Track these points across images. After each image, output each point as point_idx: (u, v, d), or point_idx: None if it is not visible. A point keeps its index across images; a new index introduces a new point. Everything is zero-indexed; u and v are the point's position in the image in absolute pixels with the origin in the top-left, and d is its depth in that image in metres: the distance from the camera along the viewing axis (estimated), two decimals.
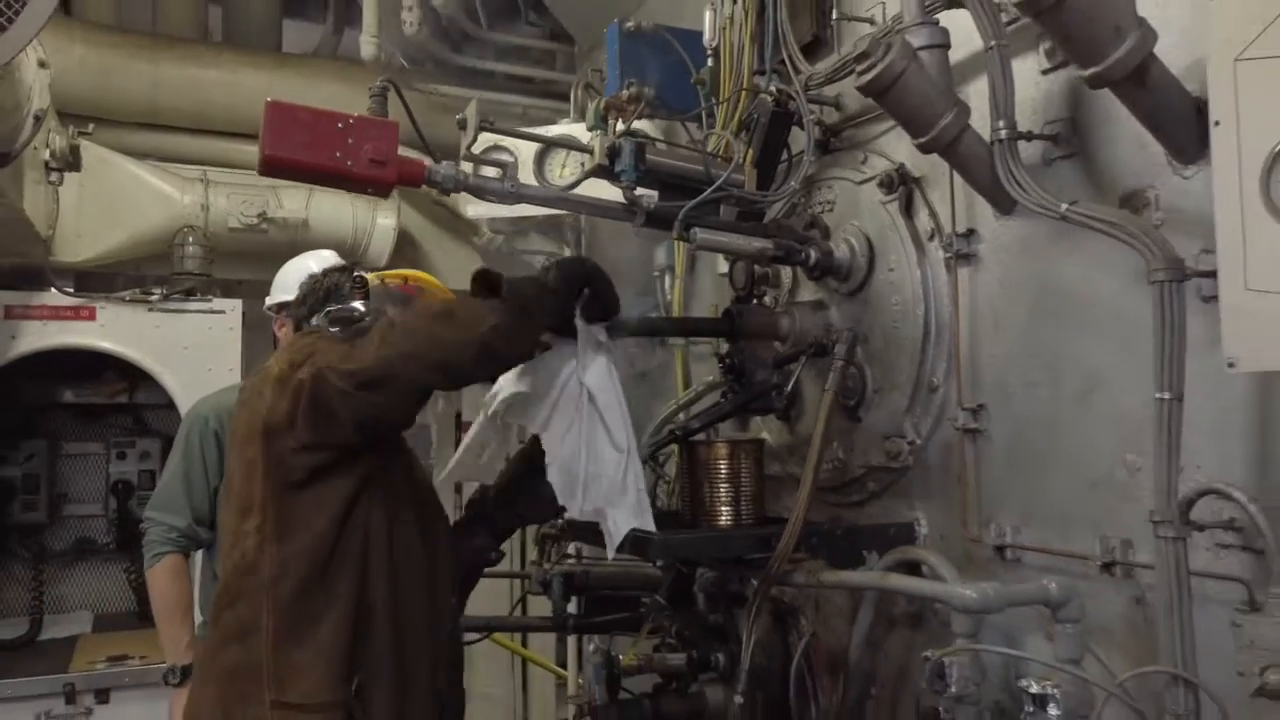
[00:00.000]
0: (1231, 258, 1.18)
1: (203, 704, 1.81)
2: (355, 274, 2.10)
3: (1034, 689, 1.51)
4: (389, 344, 1.70)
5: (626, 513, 1.80)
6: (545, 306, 1.74)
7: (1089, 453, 1.65)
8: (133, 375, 3.68)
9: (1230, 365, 1.19)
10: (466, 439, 2.12)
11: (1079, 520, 1.65)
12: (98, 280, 3.71)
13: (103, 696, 3.14)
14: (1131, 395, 1.55)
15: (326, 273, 2.20)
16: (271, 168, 1.79)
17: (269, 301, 2.86)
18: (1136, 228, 1.43)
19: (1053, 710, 1.49)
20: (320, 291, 2.12)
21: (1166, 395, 1.37)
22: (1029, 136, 1.67)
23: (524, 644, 4.08)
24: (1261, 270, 1.14)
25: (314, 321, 2.05)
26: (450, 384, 2.12)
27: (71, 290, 3.38)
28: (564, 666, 3.93)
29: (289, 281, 2.75)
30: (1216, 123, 1.21)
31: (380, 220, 3.66)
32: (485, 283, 1.74)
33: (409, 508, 1.86)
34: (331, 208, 3.58)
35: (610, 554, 1.83)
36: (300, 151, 1.78)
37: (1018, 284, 1.81)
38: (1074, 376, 1.69)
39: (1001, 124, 1.63)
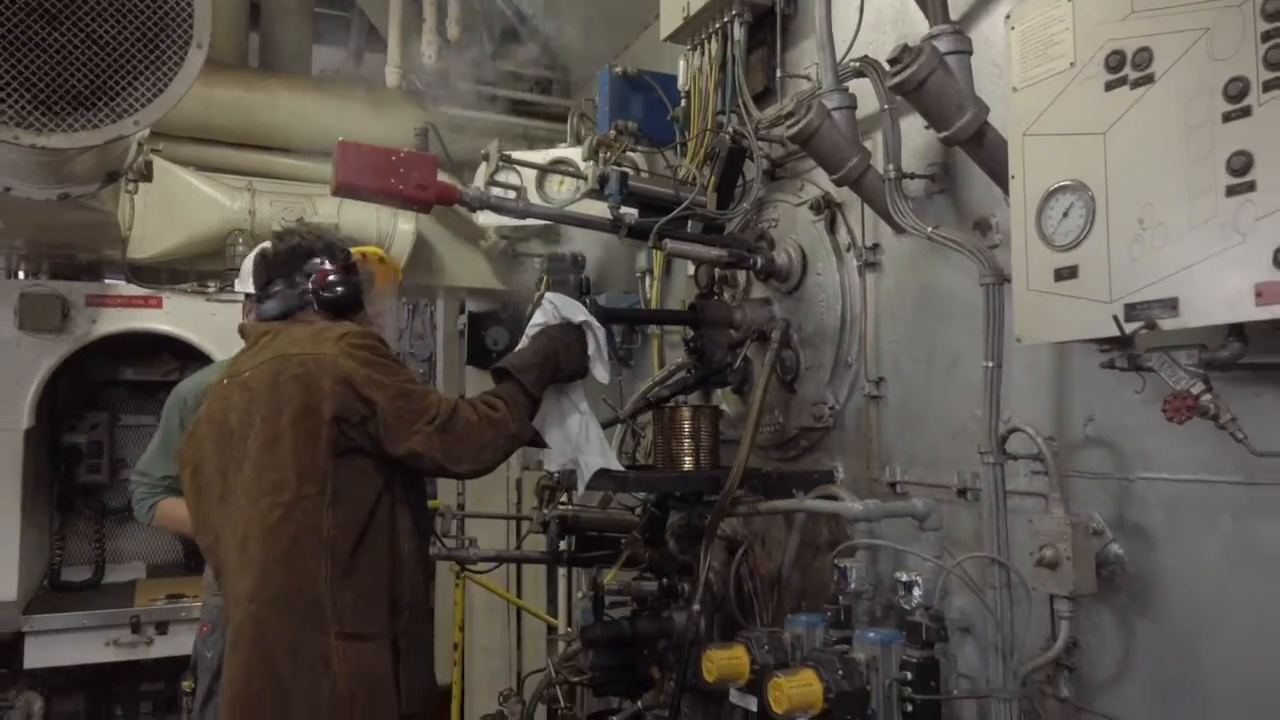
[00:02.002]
0: (1019, 267, 1.73)
1: (267, 626, 2.07)
2: (330, 243, 2.42)
3: (904, 578, 2.07)
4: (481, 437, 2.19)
5: (593, 457, 2.39)
6: (542, 383, 2.31)
7: (951, 411, 2.20)
8: (184, 356, 4.23)
9: (1019, 340, 1.75)
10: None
11: (945, 461, 2.21)
12: (148, 274, 4.25)
13: (162, 628, 3.69)
14: (978, 368, 2.09)
15: (301, 237, 2.40)
16: (342, 190, 2.34)
17: (238, 288, 3.10)
18: (974, 245, 2.00)
19: (916, 591, 2.05)
20: (300, 254, 2.34)
21: (990, 364, 1.94)
22: (911, 176, 2.23)
23: (519, 595, 4.63)
24: (1036, 276, 1.70)
25: (297, 282, 2.31)
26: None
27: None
28: (555, 615, 4.49)
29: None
30: (1013, 176, 1.77)
31: (401, 226, 4.21)
32: (497, 377, 2.33)
33: (415, 476, 2.29)
34: (359, 214, 4.12)
35: (580, 489, 2.42)
36: (364, 178, 2.33)
37: (907, 286, 2.37)
38: (944, 355, 2.24)
39: (891, 166, 2.19)
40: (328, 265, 2.36)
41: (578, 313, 2.39)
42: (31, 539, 3.59)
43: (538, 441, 2.43)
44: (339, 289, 2.35)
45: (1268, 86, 1.31)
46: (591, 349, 2.39)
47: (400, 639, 2.17)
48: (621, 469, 2.46)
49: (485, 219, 3.91)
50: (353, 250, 2.59)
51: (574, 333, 2.37)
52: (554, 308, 2.38)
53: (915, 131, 2.25)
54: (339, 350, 2.13)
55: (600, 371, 2.41)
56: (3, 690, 3.59)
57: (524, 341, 2.42)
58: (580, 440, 2.43)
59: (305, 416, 2.08)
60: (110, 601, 3.84)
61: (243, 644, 2.08)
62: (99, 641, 3.62)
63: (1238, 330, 1.43)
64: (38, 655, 3.58)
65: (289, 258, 2.35)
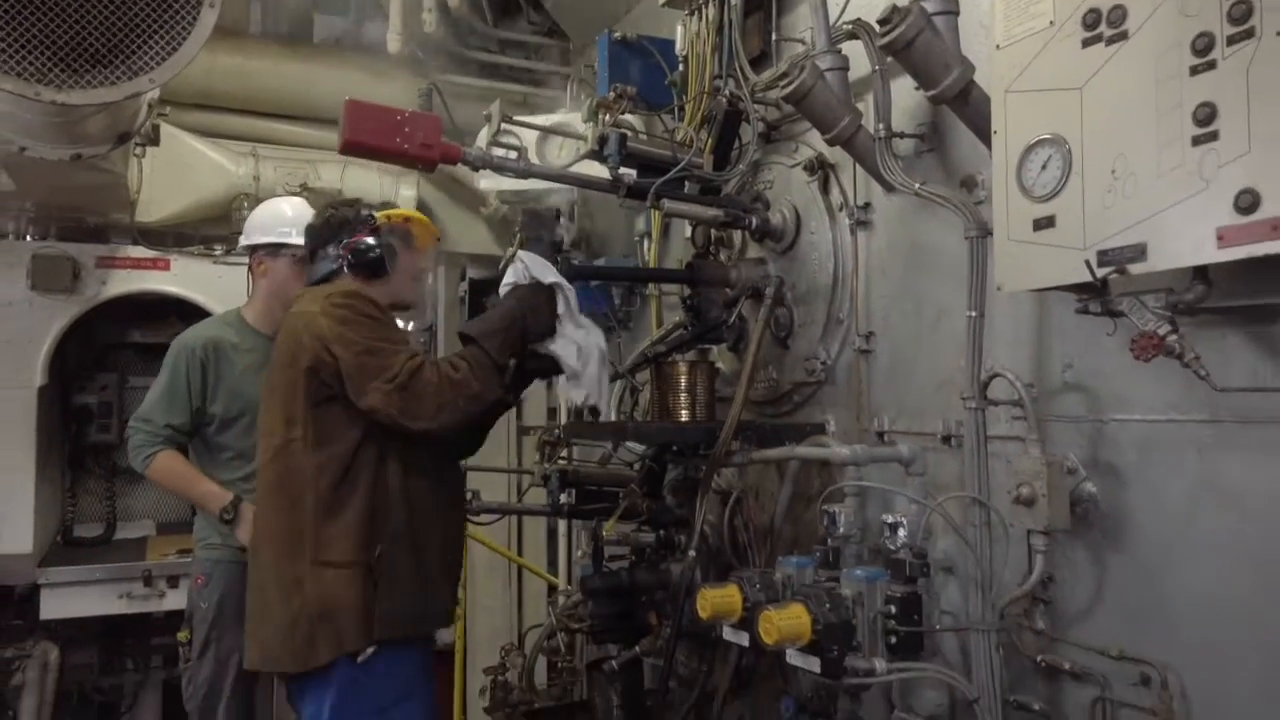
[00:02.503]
0: (1000, 218, 1.81)
1: (261, 557, 2.42)
2: (360, 210, 2.64)
3: (890, 519, 2.17)
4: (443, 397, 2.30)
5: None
6: (507, 347, 2.39)
7: (938, 363, 2.28)
8: (190, 318, 4.29)
9: (999, 288, 1.84)
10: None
11: (930, 410, 2.29)
12: (154, 237, 4.32)
13: (173, 582, 3.80)
14: (964, 320, 2.17)
15: (337, 207, 2.67)
16: (350, 148, 2.41)
17: (243, 242, 3.26)
18: (960, 200, 2.09)
19: (901, 532, 2.14)
20: (334, 224, 2.61)
21: (974, 314, 2.03)
22: (901, 135, 2.31)
23: (520, 556, 4.74)
24: (1016, 227, 1.78)
25: (330, 251, 2.58)
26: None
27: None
28: (555, 576, 4.60)
29: (265, 223, 3.23)
30: (995, 131, 1.85)
31: (403, 191, 4.28)
32: (463, 340, 2.43)
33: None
34: (362, 180, 4.20)
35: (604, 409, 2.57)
36: (370, 137, 2.39)
37: (897, 243, 2.44)
38: (931, 309, 2.33)
39: (881, 126, 2.27)
40: (358, 234, 2.58)
41: (548, 273, 2.45)
42: (45, 495, 3.69)
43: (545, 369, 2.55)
44: (365, 255, 2.56)
45: (1231, 40, 1.39)
46: (561, 309, 2.46)
47: (376, 567, 2.33)
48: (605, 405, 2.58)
49: (487, 184, 3.98)
50: (395, 213, 2.70)
51: (543, 294, 2.45)
52: (524, 267, 2.46)
53: (905, 92, 2.31)
54: (320, 308, 2.39)
55: (571, 331, 2.48)
56: (20, 640, 3.70)
57: (499, 299, 2.51)
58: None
59: (289, 367, 2.38)
60: (122, 556, 3.95)
61: (250, 565, 2.48)
62: (112, 594, 3.73)
63: (1202, 273, 1.52)
64: (54, 607, 3.69)
65: (326, 228, 2.62)
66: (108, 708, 4.51)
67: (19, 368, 3.57)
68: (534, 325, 2.43)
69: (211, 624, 3.10)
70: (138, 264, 3.81)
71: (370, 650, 2.31)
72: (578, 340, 2.49)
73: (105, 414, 4.34)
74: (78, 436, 4.43)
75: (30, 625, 3.76)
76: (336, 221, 2.62)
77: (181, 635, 3.18)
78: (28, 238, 4.07)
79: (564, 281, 2.46)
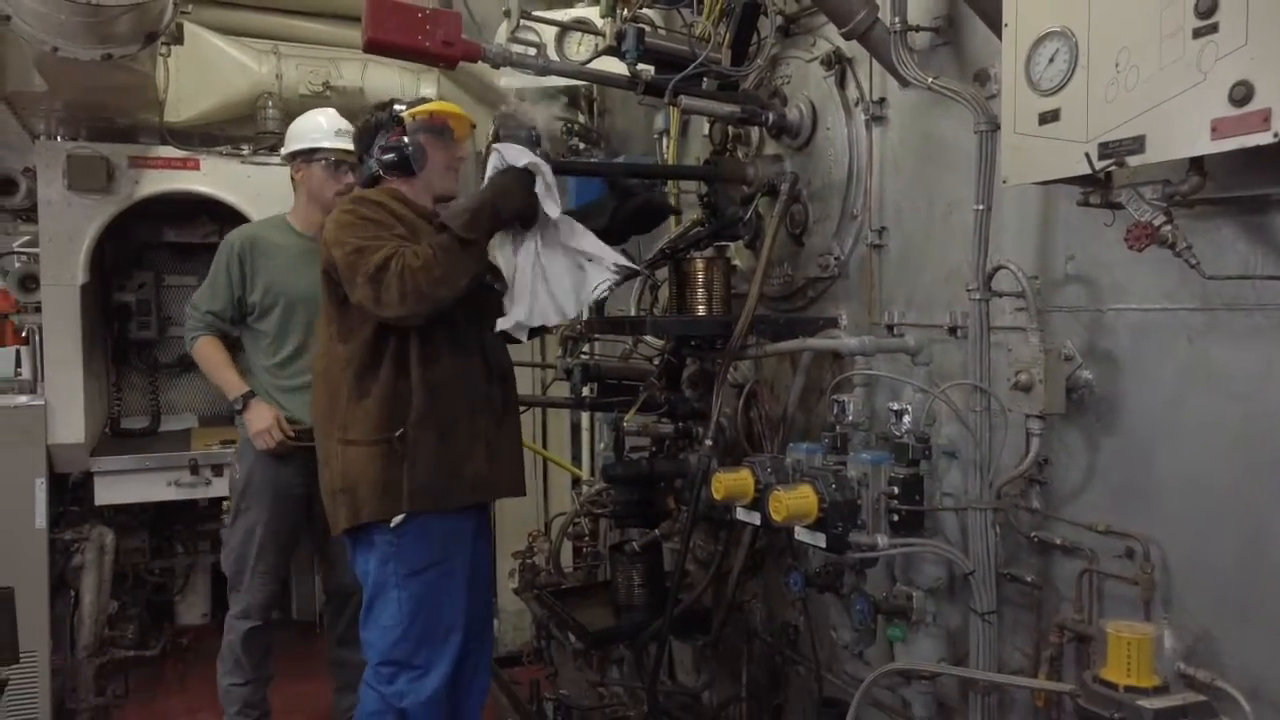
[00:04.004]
0: (1008, 112, 1.84)
1: (318, 436, 2.70)
2: (392, 111, 2.71)
3: (895, 406, 2.27)
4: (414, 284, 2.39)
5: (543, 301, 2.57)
6: (476, 227, 2.45)
7: (946, 256, 2.35)
8: (221, 219, 4.41)
9: (1004, 181, 1.88)
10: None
11: (938, 303, 2.37)
12: (181, 137, 4.38)
13: (218, 470, 4.00)
14: (972, 214, 2.24)
15: (372, 112, 2.77)
16: (372, 46, 2.45)
17: (283, 152, 3.56)
18: (970, 94, 2.11)
19: (906, 419, 2.25)
20: (369, 130, 2.72)
21: (980, 206, 2.08)
22: (917, 29, 2.31)
23: (544, 447, 4.92)
24: (1023, 120, 1.82)
25: (369, 157, 2.70)
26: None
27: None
28: (579, 467, 4.78)
29: (301, 132, 3.49)
30: (1006, 24, 1.87)
31: (423, 89, 4.29)
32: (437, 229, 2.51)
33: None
34: (383, 78, 4.21)
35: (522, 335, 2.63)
36: (393, 35, 2.42)
37: (910, 138, 2.48)
38: (941, 203, 2.38)
39: (896, 19, 2.28)
40: (391, 136, 2.68)
41: (521, 156, 2.48)
42: (92, 389, 3.86)
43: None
44: (388, 155, 2.67)
45: None
46: (540, 189, 2.49)
47: (399, 447, 2.52)
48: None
49: (506, 81, 3.98)
50: (422, 109, 2.72)
51: (514, 175, 2.49)
52: (500, 156, 2.51)
53: None
54: (334, 214, 2.60)
55: (551, 208, 2.50)
56: (78, 525, 3.94)
57: None
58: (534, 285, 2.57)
59: (323, 270, 2.62)
60: (168, 446, 4.16)
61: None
62: (161, 481, 3.94)
63: (1198, 165, 1.57)
64: (106, 493, 3.91)
65: (364, 134, 2.75)
66: (160, 588, 4.81)
67: (63, 266, 3.71)
68: (505, 205, 2.48)
69: (240, 495, 3.44)
70: (169, 164, 3.88)
71: (400, 519, 2.53)
72: (516, 261, 2.57)
73: (144, 311, 4.51)
74: (120, 333, 4.61)
75: (85, 511, 3.99)
76: (371, 126, 2.73)
77: (226, 505, 3.57)
78: (58, 138, 4.15)
79: (540, 162, 2.48)
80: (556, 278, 2.58)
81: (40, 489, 3.57)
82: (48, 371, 3.78)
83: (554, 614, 3.38)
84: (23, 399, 3.92)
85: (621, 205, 2.75)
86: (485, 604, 2.95)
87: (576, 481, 5.08)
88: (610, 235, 2.69)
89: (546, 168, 2.49)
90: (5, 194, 4.15)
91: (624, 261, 2.59)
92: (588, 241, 2.58)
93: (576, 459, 5.05)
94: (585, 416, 4.47)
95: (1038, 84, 1.75)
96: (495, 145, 2.55)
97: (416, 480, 2.54)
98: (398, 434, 2.52)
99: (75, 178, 3.70)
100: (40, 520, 3.58)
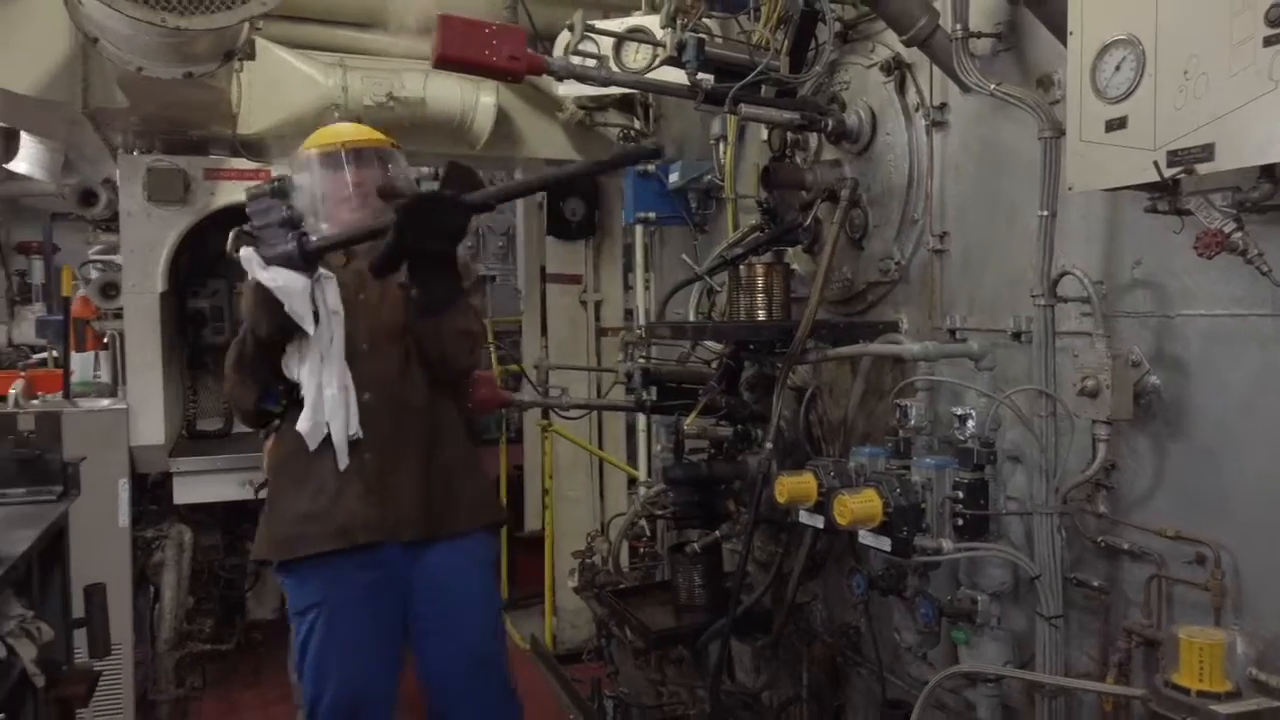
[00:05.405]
0: (1073, 119, 1.86)
1: None
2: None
3: (959, 411, 2.29)
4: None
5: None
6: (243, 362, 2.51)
7: (1010, 261, 2.35)
8: None
9: (1070, 188, 1.90)
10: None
11: (1002, 307, 2.37)
12: (252, 149, 4.52)
13: None
14: (1036, 219, 2.24)
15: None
16: (442, 63, 2.52)
17: None
18: (1035, 101, 2.12)
19: (970, 423, 2.26)
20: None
21: (1045, 213, 2.09)
22: (979, 35, 2.32)
23: (600, 446, 5.00)
24: (1089, 127, 1.83)
25: None
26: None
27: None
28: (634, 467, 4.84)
29: None
30: (1071, 32, 1.88)
31: (482, 99, 4.37)
32: None
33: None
34: (444, 88, 4.30)
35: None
36: (462, 51, 2.49)
37: (972, 143, 2.48)
38: (1004, 208, 2.38)
39: (958, 26, 2.29)
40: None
41: (253, 265, 2.24)
42: (170, 393, 4.02)
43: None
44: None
45: None
46: (294, 303, 2.24)
47: (267, 494, 2.64)
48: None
49: (564, 90, 4.06)
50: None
51: (256, 292, 2.28)
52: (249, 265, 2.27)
53: None
54: None
55: (306, 322, 2.28)
56: (158, 523, 4.11)
57: None
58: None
59: None
60: (241, 447, 4.30)
61: None
62: (233, 482, 4.09)
63: (1269, 171, 1.57)
64: (184, 493, 4.07)
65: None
66: (230, 585, 4.97)
67: (144, 274, 3.86)
68: (258, 328, 2.35)
69: None
70: (240, 175, 4.03)
71: (272, 566, 2.61)
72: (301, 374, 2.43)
73: (217, 318, 4.67)
74: (194, 339, 4.78)
75: (164, 510, 4.15)
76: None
77: None
78: (135, 152, 4.31)
79: (274, 278, 2.23)
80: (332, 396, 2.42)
81: (124, 489, 3.74)
82: (129, 376, 3.94)
83: (615, 613, 3.44)
84: (105, 402, 4.10)
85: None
86: (444, 658, 2.57)
87: (632, 482, 5.16)
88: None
89: (288, 281, 2.22)
90: (87, 205, 4.33)
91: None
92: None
93: (632, 460, 5.12)
94: (641, 419, 4.52)
95: (1104, 91, 1.76)
96: (241, 256, 2.27)
97: (272, 528, 2.55)
98: (262, 483, 2.65)
99: (155, 190, 3.86)
100: (124, 519, 3.74)
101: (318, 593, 2.49)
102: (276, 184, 2.38)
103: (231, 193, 4.01)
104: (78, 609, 2.64)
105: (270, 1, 2.25)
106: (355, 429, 2.46)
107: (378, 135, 2.67)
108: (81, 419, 3.41)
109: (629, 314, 5.45)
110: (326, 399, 2.41)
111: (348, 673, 2.45)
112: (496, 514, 2.80)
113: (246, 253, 2.26)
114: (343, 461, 2.45)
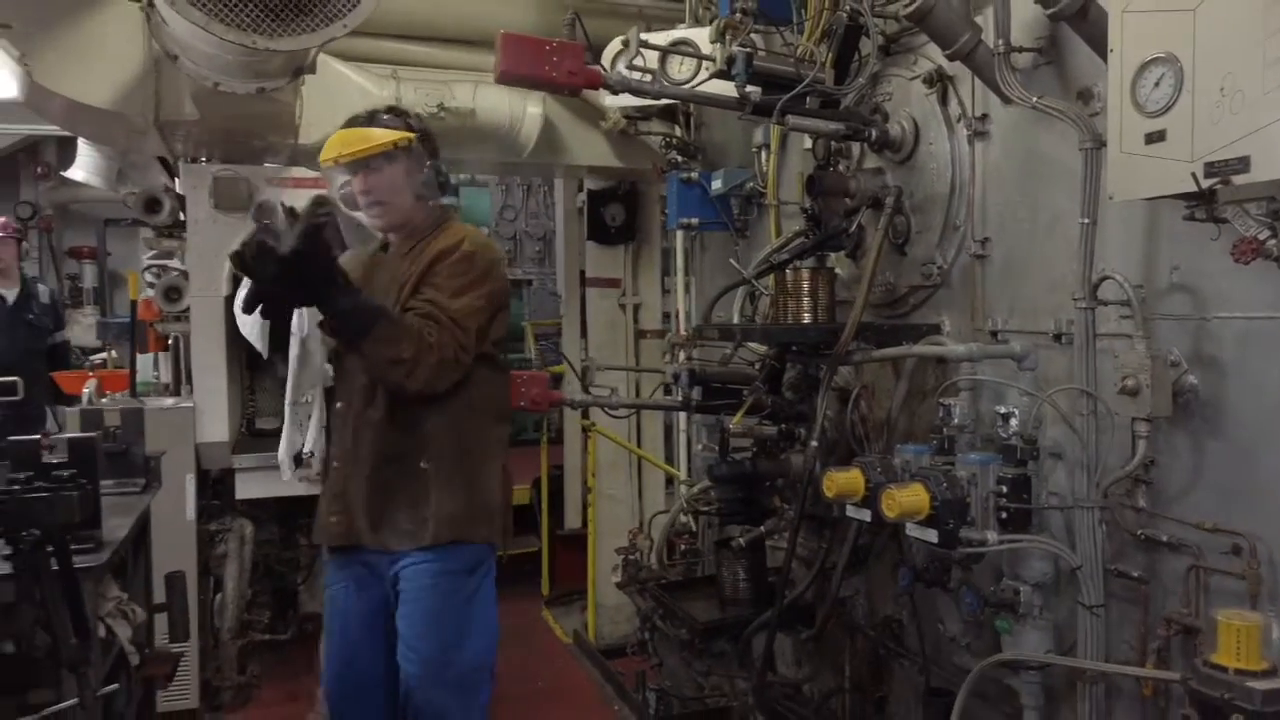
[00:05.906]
0: (1114, 132, 1.95)
1: None
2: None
3: (1002, 410, 2.39)
4: None
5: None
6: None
7: (1051, 266, 2.45)
8: None
9: (1111, 197, 2.00)
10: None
11: (1043, 310, 2.47)
12: (308, 158, 4.68)
13: None
14: (1076, 226, 2.32)
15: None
16: (505, 78, 2.66)
17: None
18: (1076, 113, 2.22)
19: (1013, 421, 2.37)
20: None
21: (1086, 220, 2.19)
22: (1020, 50, 2.42)
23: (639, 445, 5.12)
24: (1129, 139, 1.93)
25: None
26: None
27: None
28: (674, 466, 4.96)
29: None
30: (1111, 50, 1.98)
31: (530, 109, 4.51)
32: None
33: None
34: (493, 99, 4.44)
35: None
36: (523, 67, 2.63)
37: (1013, 153, 2.59)
38: (1045, 215, 2.48)
39: (1000, 41, 2.40)
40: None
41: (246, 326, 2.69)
42: (233, 392, 4.18)
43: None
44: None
45: None
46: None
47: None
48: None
49: (610, 100, 4.18)
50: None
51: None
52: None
53: (1024, 6, 2.41)
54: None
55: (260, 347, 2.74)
56: (219, 517, 4.27)
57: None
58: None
59: None
60: None
61: None
62: (292, 478, 4.23)
63: None
64: (246, 488, 4.23)
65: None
66: (283, 577, 5.13)
67: (208, 279, 4.03)
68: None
69: None
70: (299, 183, 4.19)
71: None
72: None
73: None
74: None
75: (225, 505, 4.31)
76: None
77: None
78: (201, 160, 4.48)
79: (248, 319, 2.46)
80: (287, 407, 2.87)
81: (190, 484, 3.90)
82: (195, 376, 4.11)
83: (662, 606, 3.55)
84: (171, 401, 4.27)
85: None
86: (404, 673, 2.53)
87: (670, 481, 5.28)
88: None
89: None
90: (152, 212, 4.51)
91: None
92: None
93: (669, 460, 5.24)
94: (679, 418, 4.64)
95: (1144, 106, 1.86)
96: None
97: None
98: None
99: (220, 198, 4.02)
100: (190, 513, 3.90)
101: (329, 578, 2.72)
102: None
103: (292, 200, 4.17)
104: (157, 595, 2.78)
105: (352, 23, 2.39)
106: (302, 444, 2.82)
107: (358, 141, 2.63)
108: (153, 416, 3.57)
109: (667, 317, 5.57)
110: (286, 410, 2.82)
111: (342, 655, 2.66)
112: (466, 531, 2.53)
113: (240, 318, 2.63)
114: (285, 474, 2.87)
